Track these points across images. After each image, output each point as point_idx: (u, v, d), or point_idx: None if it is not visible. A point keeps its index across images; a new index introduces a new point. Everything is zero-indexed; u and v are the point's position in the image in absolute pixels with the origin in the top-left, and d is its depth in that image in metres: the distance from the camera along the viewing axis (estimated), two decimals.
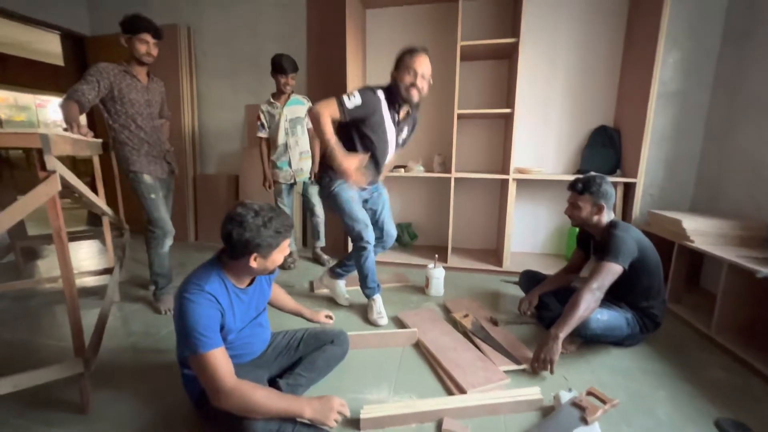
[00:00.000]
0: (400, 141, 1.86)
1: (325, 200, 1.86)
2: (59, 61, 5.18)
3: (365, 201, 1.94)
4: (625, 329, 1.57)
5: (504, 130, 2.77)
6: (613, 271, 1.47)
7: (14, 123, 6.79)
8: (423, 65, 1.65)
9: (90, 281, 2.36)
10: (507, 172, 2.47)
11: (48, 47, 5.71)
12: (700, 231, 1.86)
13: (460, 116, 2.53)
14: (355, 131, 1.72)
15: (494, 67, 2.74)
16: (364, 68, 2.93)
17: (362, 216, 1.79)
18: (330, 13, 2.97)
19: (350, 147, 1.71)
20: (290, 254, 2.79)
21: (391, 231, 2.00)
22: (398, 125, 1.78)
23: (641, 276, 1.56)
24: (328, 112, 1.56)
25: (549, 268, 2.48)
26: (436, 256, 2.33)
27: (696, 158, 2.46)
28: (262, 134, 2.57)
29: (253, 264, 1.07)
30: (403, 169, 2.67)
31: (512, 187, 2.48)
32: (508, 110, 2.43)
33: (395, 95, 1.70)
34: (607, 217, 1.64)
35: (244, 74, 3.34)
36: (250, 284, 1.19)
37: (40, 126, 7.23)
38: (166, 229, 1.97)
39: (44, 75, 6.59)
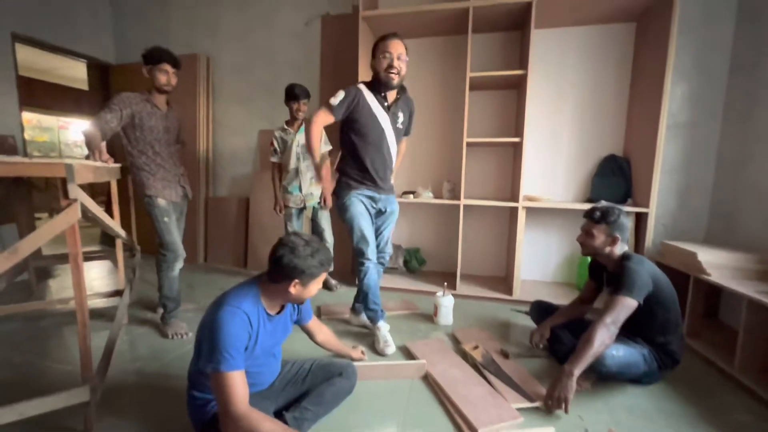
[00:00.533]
0: (399, 125, 1.88)
1: (337, 209, 1.93)
2: (83, 86, 5.43)
3: (379, 214, 1.96)
4: (642, 366, 1.51)
5: (513, 157, 2.79)
6: (627, 305, 1.44)
7: (37, 143, 7.04)
8: (397, 47, 1.71)
9: (100, 303, 2.37)
10: (516, 200, 2.47)
11: (73, 72, 5.99)
12: (717, 264, 1.82)
13: (469, 144, 2.57)
14: (350, 129, 1.82)
15: (503, 97, 2.80)
16: None
17: (367, 232, 1.85)
18: (343, 42, 3.08)
19: (351, 149, 1.84)
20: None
21: (387, 248, 2.03)
22: (389, 110, 1.82)
23: (657, 310, 1.52)
24: (320, 120, 1.73)
25: (560, 298, 2.46)
26: (445, 284, 2.30)
27: (709, 188, 2.44)
28: (275, 159, 2.63)
29: (292, 290, 1.12)
30: (412, 195, 2.69)
31: (522, 215, 2.47)
32: (516, 139, 2.45)
33: (378, 82, 1.77)
34: (620, 249, 1.61)
35: (259, 100, 3.45)
36: (278, 313, 1.21)
37: (61, 146, 7.50)
38: (177, 252, 1.99)
39: (68, 98, 6.87)
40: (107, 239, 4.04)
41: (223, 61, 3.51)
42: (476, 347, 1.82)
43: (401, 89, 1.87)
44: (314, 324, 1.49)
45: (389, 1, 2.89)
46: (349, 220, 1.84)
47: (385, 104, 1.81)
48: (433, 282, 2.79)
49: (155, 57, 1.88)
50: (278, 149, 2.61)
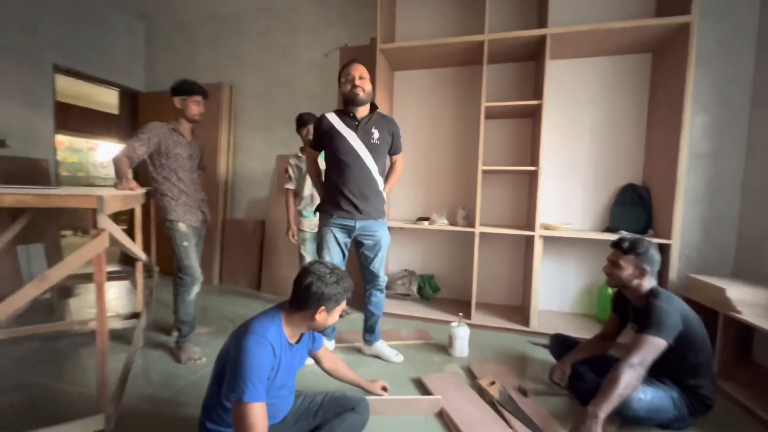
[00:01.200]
0: (374, 141, 1.87)
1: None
2: (114, 111, 5.71)
3: (361, 245, 1.95)
4: (672, 411, 1.43)
5: (528, 184, 2.78)
6: (655, 345, 1.37)
7: (67, 164, 7.38)
8: (356, 70, 1.84)
9: (117, 324, 2.40)
10: (533, 228, 2.44)
11: (105, 98, 6.32)
12: (748, 301, 1.74)
13: (484, 171, 2.57)
14: (326, 156, 1.94)
15: (518, 125, 2.81)
16: None
17: (331, 256, 1.91)
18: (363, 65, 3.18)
19: (328, 174, 1.94)
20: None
21: (380, 275, 2.02)
22: (359, 129, 1.85)
23: (687, 352, 1.45)
24: (308, 157, 2.06)
25: (580, 330, 2.37)
26: (460, 314, 2.26)
27: (735, 220, 2.36)
28: (290, 186, 2.68)
29: (318, 317, 1.14)
30: (426, 222, 2.68)
31: (538, 244, 2.43)
32: (532, 168, 2.45)
33: (346, 103, 1.88)
34: (648, 283, 1.56)
35: (278, 127, 3.56)
36: (297, 342, 1.22)
37: (89, 167, 7.84)
38: (195, 276, 2.02)
39: (99, 122, 7.24)
40: (126, 257, 4.14)
41: (246, 89, 3.66)
42: (493, 383, 1.76)
43: (372, 107, 1.92)
44: (322, 351, 1.47)
45: (405, 33, 3.00)
46: (318, 247, 1.95)
47: (354, 123, 1.86)
48: (448, 310, 2.73)
49: (188, 89, 1.99)
50: (293, 176, 2.66)
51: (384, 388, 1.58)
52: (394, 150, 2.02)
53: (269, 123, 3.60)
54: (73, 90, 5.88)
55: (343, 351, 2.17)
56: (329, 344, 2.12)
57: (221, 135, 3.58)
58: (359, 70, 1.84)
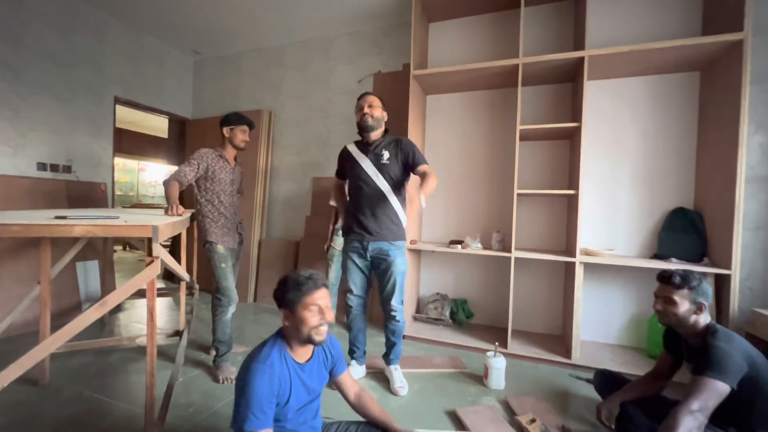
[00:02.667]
0: (384, 161, 1.94)
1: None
2: (163, 134, 6.17)
3: (375, 267, 2.00)
4: None
5: (567, 208, 2.68)
6: (717, 390, 1.25)
7: (120, 183, 8.00)
8: (367, 100, 1.98)
9: (160, 341, 2.52)
10: (573, 254, 2.34)
11: (155, 124, 6.87)
12: None
13: (520, 195, 2.52)
14: (348, 178, 2.09)
15: (555, 147, 2.75)
16: (423, 149, 3.09)
17: (352, 277, 2.03)
18: (394, 98, 3.24)
19: (350, 192, 2.06)
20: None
21: (392, 303, 1.98)
22: (371, 153, 1.97)
23: (755, 399, 1.30)
24: (334, 186, 2.27)
25: (627, 365, 2.22)
26: (497, 344, 2.18)
27: None
28: (332, 203, 2.93)
29: (286, 322, 1.13)
30: (459, 246, 2.64)
31: (579, 271, 2.32)
32: (571, 191, 2.37)
33: (360, 132, 2.01)
34: (705, 319, 1.44)
35: (314, 151, 3.69)
36: (308, 360, 1.21)
37: (139, 186, 8.44)
38: (232, 297, 2.10)
39: (149, 145, 7.85)
40: (169, 273, 4.36)
41: (284, 115, 3.85)
42: (533, 420, 1.67)
43: (385, 132, 2.03)
44: (347, 379, 1.35)
45: (438, 58, 3.05)
46: (343, 268, 2.13)
47: (367, 148, 1.99)
48: (482, 337, 2.65)
49: (236, 120, 2.17)
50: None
51: None
52: (414, 163, 1.91)
53: (305, 147, 3.75)
54: (127, 116, 6.44)
55: (374, 377, 2.14)
56: (359, 370, 2.11)
57: (260, 158, 3.76)
58: (369, 100, 1.98)
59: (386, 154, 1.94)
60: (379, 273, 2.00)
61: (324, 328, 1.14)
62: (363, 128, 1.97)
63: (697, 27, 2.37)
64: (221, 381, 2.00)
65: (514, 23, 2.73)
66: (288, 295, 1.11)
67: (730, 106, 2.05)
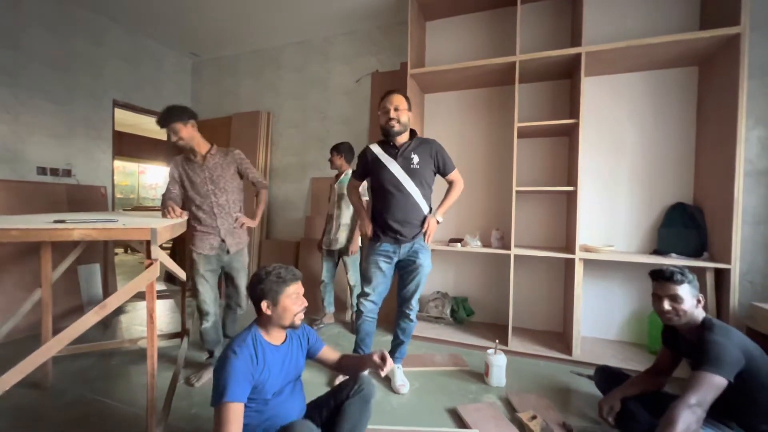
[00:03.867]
0: (414, 166, 1.89)
1: (364, 256, 2.08)
2: (162, 137, 6.16)
3: (402, 267, 1.98)
4: None
5: (566, 204, 2.68)
6: (714, 384, 1.25)
7: (120, 187, 8.02)
8: (393, 101, 1.88)
9: (161, 342, 2.52)
10: (572, 251, 2.34)
11: (154, 126, 6.84)
12: None
13: (518, 192, 2.52)
14: (371, 185, 2.03)
15: (553, 144, 2.74)
16: None
17: (374, 283, 1.96)
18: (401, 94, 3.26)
19: (374, 203, 2.01)
20: (323, 314, 2.96)
21: (411, 302, 1.98)
22: (399, 156, 1.90)
23: (755, 393, 1.31)
24: (351, 186, 2.17)
25: (628, 361, 2.22)
26: (497, 341, 2.18)
27: None
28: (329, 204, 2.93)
29: (267, 311, 1.21)
30: (459, 244, 2.65)
31: (579, 268, 2.32)
32: (570, 188, 2.37)
33: (385, 135, 1.93)
34: (700, 313, 1.44)
35: (312, 151, 3.70)
36: (284, 342, 1.28)
37: (139, 189, 8.46)
38: (203, 309, 2.02)
39: (149, 148, 7.86)
40: (170, 276, 4.37)
41: (282, 116, 3.85)
42: (534, 417, 1.67)
43: (412, 134, 1.96)
44: (327, 352, 1.46)
45: (435, 57, 3.05)
46: (364, 272, 2.03)
47: (395, 152, 1.91)
48: (482, 335, 2.65)
49: (163, 119, 1.94)
50: (329, 197, 2.80)
51: (382, 358, 1.34)
52: (444, 170, 1.98)
53: (304, 147, 3.75)
54: (126, 119, 6.45)
55: (375, 374, 2.15)
56: (400, 367, 2.10)
57: (259, 159, 3.76)
58: (395, 101, 1.87)
59: (416, 159, 1.90)
60: (404, 273, 1.98)
61: (302, 314, 1.27)
62: (388, 133, 1.89)
63: (694, 21, 2.37)
64: (193, 384, 1.96)
65: (510, 20, 2.72)
66: (273, 286, 1.20)
67: (729, 101, 2.04)
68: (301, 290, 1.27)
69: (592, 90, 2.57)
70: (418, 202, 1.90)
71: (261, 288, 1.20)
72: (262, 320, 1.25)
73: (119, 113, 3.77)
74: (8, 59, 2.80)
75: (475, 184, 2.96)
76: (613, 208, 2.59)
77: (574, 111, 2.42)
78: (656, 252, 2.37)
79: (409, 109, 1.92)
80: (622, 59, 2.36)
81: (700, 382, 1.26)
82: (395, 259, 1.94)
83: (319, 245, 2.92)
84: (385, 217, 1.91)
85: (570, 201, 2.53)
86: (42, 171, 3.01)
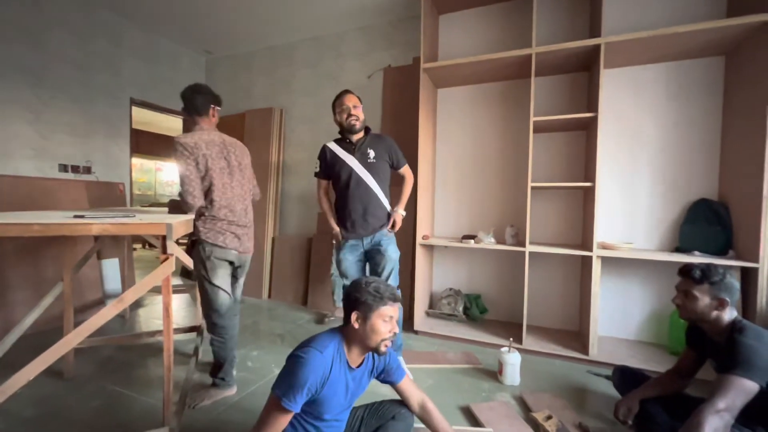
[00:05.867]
0: (371, 160, 2.01)
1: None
2: (177, 134, 6.26)
3: (370, 259, 2.08)
4: None
5: (583, 200, 2.61)
6: (745, 389, 1.20)
7: (138, 183, 8.21)
8: (350, 100, 2.01)
9: (178, 336, 2.58)
10: (589, 248, 2.28)
11: (170, 124, 7.00)
12: None
13: (534, 188, 2.46)
14: (332, 183, 2.12)
15: (570, 138, 2.67)
16: (434, 143, 3.06)
17: (349, 276, 2.08)
18: (404, 92, 3.23)
19: (336, 200, 2.11)
20: (335, 308, 3.05)
21: None
22: (357, 151, 2.02)
23: None
24: (318, 187, 2.19)
25: (648, 362, 2.16)
26: (511, 339, 2.15)
27: None
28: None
29: (355, 324, 1.14)
30: (472, 240, 2.61)
31: (597, 265, 2.26)
32: (588, 183, 2.30)
33: (343, 131, 2.05)
34: (729, 314, 1.38)
35: None
36: (359, 366, 1.22)
37: (156, 185, 8.65)
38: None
39: (165, 145, 8.02)
40: (186, 271, 4.46)
41: (295, 112, 3.87)
42: (549, 417, 1.64)
43: (366, 130, 2.08)
44: (408, 387, 1.32)
45: (448, 51, 3.00)
46: (338, 267, 2.12)
47: (352, 147, 2.03)
48: (496, 333, 2.62)
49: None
50: None
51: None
52: (397, 164, 2.13)
53: (316, 143, 3.73)
54: (143, 117, 6.58)
55: None
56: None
57: (272, 155, 3.79)
58: (351, 101, 2.02)
59: (372, 153, 2.03)
60: (373, 264, 2.07)
61: (389, 342, 1.16)
62: (349, 130, 2.01)
63: (721, 8, 2.26)
64: (193, 406, 1.72)
65: (526, 12, 2.66)
66: (368, 299, 1.13)
67: (759, 91, 1.95)
68: (397, 314, 1.18)
69: (611, 82, 2.49)
70: (377, 194, 2.02)
71: (356, 297, 1.14)
72: (348, 332, 1.17)
73: (136, 111, 3.85)
74: (32, 60, 2.88)
75: (490, 179, 2.92)
76: (632, 204, 2.51)
77: (592, 104, 2.35)
78: (678, 250, 2.29)
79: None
80: (643, 50, 2.27)
81: (730, 386, 1.21)
82: (362, 250, 2.05)
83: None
84: (348, 210, 2.01)
85: (587, 197, 2.46)
86: (63, 168, 3.10)
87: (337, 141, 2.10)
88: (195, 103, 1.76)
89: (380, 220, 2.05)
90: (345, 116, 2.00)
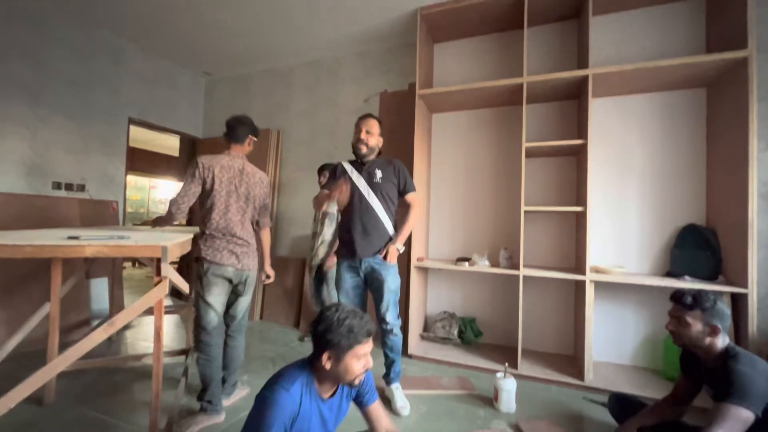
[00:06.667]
0: (377, 180, 2.00)
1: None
2: (174, 153, 6.29)
3: (369, 284, 2.02)
4: None
5: (575, 224, 2.65)
6: (741, 418, 1.20)
7: (131, 201, 8.14)
8: (366, 125, 2.02)
9: (166, 359, 2.50)
10: (583, 272, 2.30)
11: (167, 143, 7.03)
12: None
13: (527, 212, 2.50)
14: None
15: (562, 163, 2.74)
16: (429, 166, 3.11)
17: (341, 296, 2.03)
18: (399, 116, 3.30)
19: (343, 210, 2.06)
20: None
21: (387, 318, 1.99)
22: (365, 171, 2.02)
23: None
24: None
25: (644, 388, 2.14)
26: (506, 364, 2.12)
27: None
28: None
29: (327, 364, 1.06)
30: (467, 263, 2.62)
31: (590, 289, 2.27)
32: (579, 208, 2.35)
33: (353, 153, 2.05)
34: (722, 341, 1.39)
35: None
36: (332, 395, 1.17)
37: (149, 203, 8.58)
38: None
39: (161, 163, 8.02)
40: (176, 291, 4.38)
41: (292, 134, 3.92)
42: None
43: (378, 154, 2.09)
44: (378, 411, 1.27)
45: (443, 77, 3.10)
46: (337, 289, 2.07)
47: (361, 167, 2.04)
48: (491, 357, 2.58)
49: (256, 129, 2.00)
50: (316, 216, 2.95)
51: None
52: (404, 189, 2.06)
53: (312, 164, 3.77)
54: (140, 135, 6.61)
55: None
56: (399, 387, 2.08)
57: (268, 175, 3.80)
58: (367, 125, 2.02)
59: (379, 173, 2.02)
60: (372, 290, 2.03)
61: (363, 375, 1.12)
62: (356, 154, 2.04)
63: (701, 44, 2.39)
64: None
65: (517, 43, 2.78)
66: (340, 340, 1.05)
67: (738, 123, 2.04)
68: (371, 347, 1.11)
69: (599, 110, 2.58)
70: (379, 215, 1.98)
71: (328, 339, 1.05)
72: (318, 368, 1.10)
73: (134, 130, 3.87)
74: (31, 78, 2.91)
75: (484, 202, 2.96)
76: (623, 228, 2.55)
77: (581, 131, 2.43)
78: (669, 274, 2.33)
79: (381, 134, 2.05)
80: (629, 81, 2.38)
81: (727, 416, 1.21)
82: (359, 273, 2.01)
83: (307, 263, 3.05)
84: (348, 228, 1.99)
85: (579, 221, 2.51)
86: (57, 186, 3.08)
87: (351, 161, 2.11)
88: (237, 132, 1.90)
89: (379, 243, 1.98)
90: (356, 139, 2.02)
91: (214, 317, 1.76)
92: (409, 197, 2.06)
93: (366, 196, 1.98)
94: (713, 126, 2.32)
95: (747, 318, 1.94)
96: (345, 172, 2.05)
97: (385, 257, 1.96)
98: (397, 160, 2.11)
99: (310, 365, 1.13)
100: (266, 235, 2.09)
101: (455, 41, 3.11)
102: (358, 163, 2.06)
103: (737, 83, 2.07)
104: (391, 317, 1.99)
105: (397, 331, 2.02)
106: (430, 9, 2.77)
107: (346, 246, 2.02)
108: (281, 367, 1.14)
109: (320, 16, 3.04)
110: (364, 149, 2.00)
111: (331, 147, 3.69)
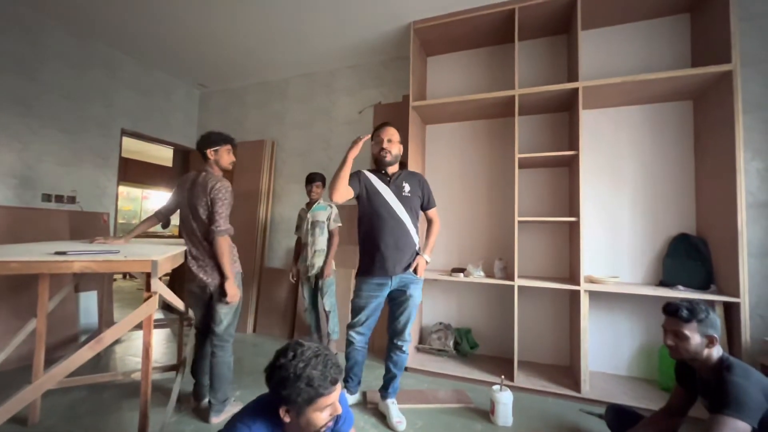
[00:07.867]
0: (406, 194, 1.96)
1: (354, 288, 2.03)
2: (168, 163, 6.25)
3: (392, 299, 1.98)
4: None
5: (569, 235, 2.67)
6: (737, 430, 1.19)
7: (123, 212, 8.06)
8: (386, 134, 1.97)
9: (155, 375, 2.44)
10: (577, 282, 2.30)
11: (161, 153, 7.00)
12: None
13: (521, 222, 2.51)
14: (362, 208, 1.98)
15: (554, 174, 2.77)
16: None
17: (364, 315, 1.96)
18: (393, 126, 3.32)
19: (364, 228, 1.97)
20: (328, 341, 2.92)
21: (404, 334, 1.97)
22: (391, 183, 1.97)
23: None
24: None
25: (640, 399, 2.14)
26: (503, 377, 2.10)
27: None
28: (297, 234, 2.99)
29: (285, 418, 0.92)
30: (461, 274, 2.61)
31: (585, 300, 2.27)
32: (572, 218, 2.36)
33: (377, 163, 2.00)
34: (717, 351, 1.39)
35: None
36: None
37: (142, 214, 8.49)
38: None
39: (153, 174, 7.98)
40: (167, 304, 4.30)
41: (287, 145, 3.93)
42: None
43: (402, 165, 2.06)
44: None
45: (436, 89, 3.14)
46: (354, 304, 2.00)
47: (387, 179, 1.98)
48: (488, 369, 2.56)
49: (220, 139, 1.91)
50: (300, 225, 2.93)
51: None
52: (427, 204, 2.06)
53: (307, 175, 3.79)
54: (133, 146, 6.58)
55: (374, 413, 2.06)
56: (350, 399, 2.05)
57: (262, 186, 3.80)
58: (388, 134, 1.98)
59: (407, 187, 1.98)
60: (393, 305, 1.98)
61: (332, 421, 0.99)
62: (380, 162, 1.98)
63: (686, 57, 2.45)
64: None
65: (509, 56, 2.83)
66: (300, 398, 0.89)
67: (725, 134, 2.08)
68: (338, 394, 0.97)
69: (590, 122, 2.63)
70: (409, 229, 1.94)
71: (285, 395, 0.90)
72: (282, 421, 0.97)
73: (126, 140, 3.85)
74: (24, 90, 2.89)
75: (478, 213, 2.97)
76: (616, 238, 2.57)
77: (573, 143, 2.46)
78: (662, 283, 2.34)
79: (401, 142, 2.01)
80: (618, 94, 2.42)
81: (722, 427, 1.20)
82: (386, 291, 1.94)
83: (294, 275, 3.01)
84: (377, 243, 1.90)
85: (573, 231, 2.52)
86: (47, 198, 3.03)
87: (372, 171, 2.02)
88: (200, 150, 1.93)
89: (410, 257, 1.94)
90: (378, 149, 1.97)
91: (197, 324, 2.01)
92: (432, 213, 2.09)
93: (396, 210, 1.92)
94: (701, 137, 2.37)
95: (740, 327, 1.95)
96: (371, 183, 1.96)
97: (415, 270, 1.93)
98: (419, 173, 2.11)
99: (273, 410, 0.98)
100: (218, 246, 1.78)
101: (448, 54, 3.16)
102: (383, 174, 2.00)
103: (722, 96, 2.12)
104: (407, 334, 1.98)
105: (406, 348, 1.99)
106: (423, 23, 2.81)
107: (377, 262, 1.90)
108: (243, 407, 1.04)
109: (315, 30, 3.08)
110: (388, 157, 1.95)
111: (326, 158, 3.70)
